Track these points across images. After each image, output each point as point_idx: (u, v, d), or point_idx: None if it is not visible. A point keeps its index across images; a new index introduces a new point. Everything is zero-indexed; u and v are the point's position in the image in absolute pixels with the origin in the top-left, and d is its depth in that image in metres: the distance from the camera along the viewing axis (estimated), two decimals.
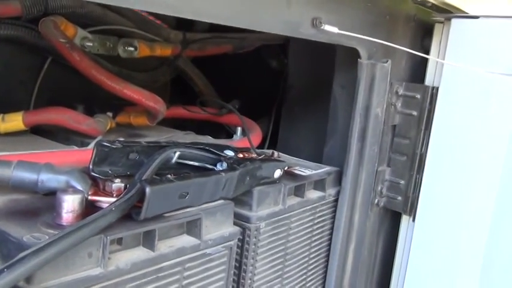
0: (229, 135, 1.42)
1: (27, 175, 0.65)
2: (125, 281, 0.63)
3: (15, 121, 1.01)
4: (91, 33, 1.29)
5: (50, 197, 0.67)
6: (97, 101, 1.25)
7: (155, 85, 1.49)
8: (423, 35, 1.22)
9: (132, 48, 1.38)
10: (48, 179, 0.65)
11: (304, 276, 1.05)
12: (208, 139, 1.26)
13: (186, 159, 0.80)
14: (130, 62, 1.42)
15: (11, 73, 1.22)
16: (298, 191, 1.00)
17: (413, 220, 1.19)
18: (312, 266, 1.06)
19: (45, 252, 0.53)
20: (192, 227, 0.72)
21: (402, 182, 1.21)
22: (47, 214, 0.64)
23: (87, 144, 1.07)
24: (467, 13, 1.14)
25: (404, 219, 1.25)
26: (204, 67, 1.66)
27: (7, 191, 0.70)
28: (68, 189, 0.63)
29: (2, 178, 0.66)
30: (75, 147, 1.01)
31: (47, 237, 0.57)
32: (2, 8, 1.09)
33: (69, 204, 0.61)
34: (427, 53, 1.22)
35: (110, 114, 1.24)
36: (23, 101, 1.26)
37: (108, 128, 1.17)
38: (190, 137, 1.28)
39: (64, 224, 0.61)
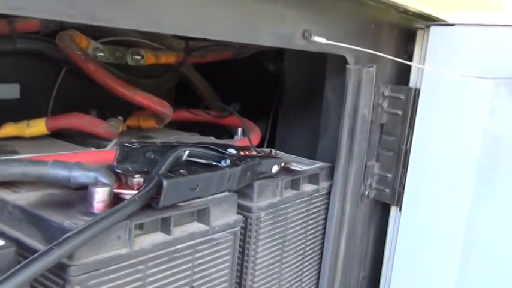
0: (231, 135, 1.52)
1: (61, 172, 0.77)
2: (147, 259, 0.74)
3: (39, 126, 1.12)
4: (102, 44, 1.40)
5: (80, 191, 0.79)
6: (108, 106, 1.36)
7: (160, 90, 1.60)
8: (407, 40, 1.33)
9: (139, 57, 1.49)
10: (79, 175, 0.77)
11: (301, 261, 1.16)
12: (212, 139, 1.37)
13: (194, 157, 0.91)
14: (138, 69, 1.52)
15: (30, 83, 1.33)
16: (294, 184, 1.11)
17: (400, 210, 1.31)
18: (308, 252, 1.17)
19: (83, 234, 0.64)
20: (202, 215, 0.84)
21: (390, 175, 1.32)
22: (79, 205, 0.75)
23: (103, 146, 1.18)
24: (445, 21, 1.25)
25: (393, 210, 1.36)
26: (205, 72, 1.77)
27: (42, 187, 0.81)
28: (97, 183, 0.75)
29: (39, 175, 0.77)
30: (93, 149, 1.12)
31: (83, 223, 0.68)
32: (23, 24, 1.20)
33: (100, 196, 0.72)
34: (411, 56, 1.33)
35: (120, 118, 1.35)
36: (41, 108, 1.37)
37: (120, 131, 1.29)
38: (195, 138, 1.38)
39: (95, 212, 0.72)
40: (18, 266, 0.58)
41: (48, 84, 1.38)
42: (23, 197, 0.77)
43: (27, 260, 0.59)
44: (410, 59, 1.32)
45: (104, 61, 1.41)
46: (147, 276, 0.75)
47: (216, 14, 0.78)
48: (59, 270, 0.65)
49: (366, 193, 1.32)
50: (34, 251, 0.65)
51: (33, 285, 0.66)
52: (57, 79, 1.38)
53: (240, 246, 0.95)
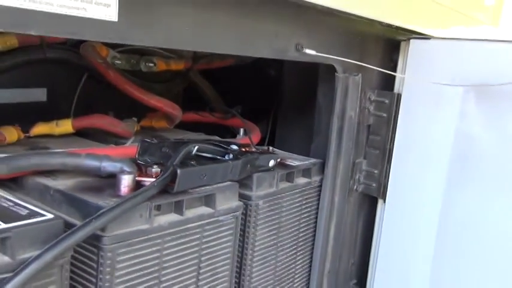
0: (233, 135, 1.68)
1: (93, 163, 0.92)
2: (164, 235, 0.90)
3: (66, 126, 1.28)
4: (119, 52, 1.57)
5: (108, 179, 0.95)
6: (123, 108, 1.52)
7: (171, 94, 1.76)
8: (392, 50, 1.48)
9: (151, 64, 1.65)
10: (108, 165, 0.92)
11: (295, 245, 1.31)
12: (216, 139, 1.52)
13: (202, 152, 1.07)
14: (150, 75, 1.69)
15: (56, 87, 1.49)
16: (289, 177, 1.26)
17: (385, 202, 1.46)
18: (301, 237, 1.33)
19: (114, 211, 0.80)
20: (209, 200, 0.99)
21: (376, 171, 1.48)
22: (108, 189, 0.91)
23: (121, 143, 1.33)
24: (424, 34, 1.41)
25: (379, 202, 1.51)
26: (211, 77, 1.93)
27: (76, 175, 0.98)
28: (123, 171, 0.91)
29: (76, 165, 0.93)
30: (113, 145, 1.28)
31: (113, 202, 0.83)
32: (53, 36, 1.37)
33: (126, 181, 0.88)
34: (396, 64, 1.49)
35: (135, 119, 1.51)
36: (64, 109, 1.53)
37: (134, 130, 1.45)
38: (201, 137, 1.54)
39: (122, 195, 0.88)
40: (66, 233, 0.73)
41: (71, 89, 1.54)
42: (62, 183, 0.93)
43: (73, 229, 0.74)
44: (396, 67, 1.48)
45: (121, 68, 1.58)
46: (164, 249, 0.90)
47: (220, 32, 0.94)
48: (94, 240, 0.81)
49: (355, 187, 1.48)
50: (73, 226, 0.81)
51: (74, 252, 0.82)
52: (79, 84, 1.55)
53: (240, 230, 1.11)
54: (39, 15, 0.64)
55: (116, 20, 0.72)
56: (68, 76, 1.52)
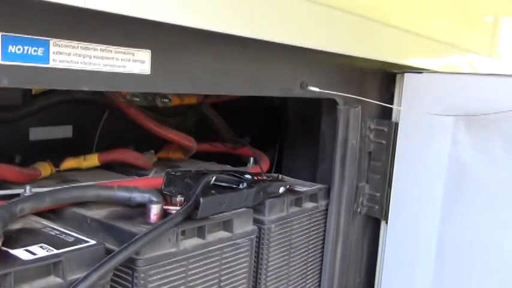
0: (243, 163, 1.79)
1: (124, 194, 1.04)
2: (189, 257, 1.01)
3: (93, 160, 1.40)
4: None
5: (137, 208, 1.07)
6: (140, 141, 1.64)
7: (184, 126, 1.88)
8: (389, 82, 1.61)
9: (167, 100, 1.77)
10: (138, 196, 1.04)
11: (305, 264, 1.42)
12: (228, 167, 1.64)
13: (219, 182, 1.19)
14: (166, 110, 1.81)
15: (81, 124, 1.63)
16: (298, 202, 1.38)
17: (387, 223, 1.57)
18: (311, 257, 1.43)
19: (147, 236, 0.91)
20: (227, 225, 1.11)
21: (378, 194, 1.59)
22: (138, 218, 1.03)
23: (142, 175, 1.45)
24: (417, 68, 1.54)
25: (382, 224, 1.62)
26: (220, 109, 2.05)
27: (108, 206, 1.09)
28: (152, 201, 1.02)
29: (109, 197, 1.05)
30: (136, 177, 1.40)
31: (145, 229, 0.95)
32: None
33: (155, 210, 1.00)
34: (393, 95, 1.62)
35: (152, 151, 1.63)
36: (87, 144, 1.66)
37: (153, 162, 1.57)
38: (214, 166, 1.66)
39: (152, 222, 1.00)
40: (108, 257, 0.85)
41: (93, 125, 1.67)
42: (97, 213, 1.05)
43: (113, 253, 0.86)
44: (393, 97, 1.61)
45: (138, 104, 1.70)
46: (189, 269, 1.01)
47: (234, 76, 1.07)
48: (130, 262, 0.92)
49: (359, 210, 1.59)
50: (110, 251, 0.92)
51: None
52: (100, 120, 1.68)
53: (255, 251, 1.22)
54: (89, 74, 0.77)
55: (149, 73, 0.85)
56: (91, 113, 1.65)
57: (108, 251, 0.89)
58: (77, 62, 0.75)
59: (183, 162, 1.66)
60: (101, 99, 1.54)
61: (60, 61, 0.73)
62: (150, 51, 0.85)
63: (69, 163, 1.38)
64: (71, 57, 0.74)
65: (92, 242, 0.88)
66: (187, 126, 1.94)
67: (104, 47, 0.78)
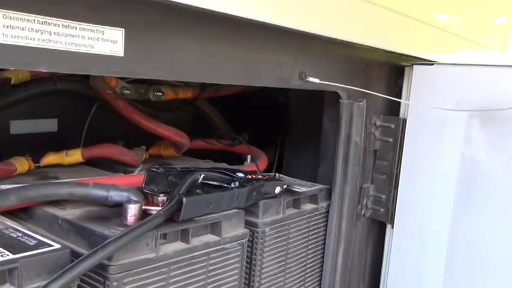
0: (241, 162, 1.69)
1: (100, 192, 0.94)
2: (170, 263, 0.90)
3: (76, 155, 1.30)
4: (127, 83, 1.60)
5: (115, 208, 0.96)
6: (132, 137, 1.54)
7: (179, 122, 1.78)
8: (397, 75, 1.50)
9: (160, 93, 1.67)
10: (115, 195, 0.94)
11: (303, 272, 1.31)
12: (224, 165, 1.54)
13: (208, 180, 1.09)
14: (159, 104, 1.71)
15: (66, 118, 1.53)
16: (296, 204, 1.27)
17: (393, 227, 1.46)
18: (309, 264, 1.32)
19: (121, 240, 0.81)
20: (215, 228, 1.00)
21: (383, 196, 1.48)
22: (115, 218, 0.92)
23: (129, 172, 1.35)
24: (427, 60, 1.42)
25: (388, 228, 1.51)
26: (219, 104, 1.95)
27: (83, 205, 0.99)
28: (130, 201, 0.92)
29: (83, 195, 0.95)
30: (122, 174, 1.30)
31: (119, 232, 0.85)
32: None
33: (132, 211, 0.90)
34: (401, 90, 1.50)
35: (143, 147, 1.53)
36: (74, 139, 1.56)
37: (143, 158, 1.47)
38: (209, 164, 1.56)
39: (129, 224, 0.89)
40: (72, 263, 0.74)
41: (81, 119, 1.57)
42: (69, 213, 0.95)
43: (79, 259, 0.75)
44: (401, 92, 1.50)
45: (130, 98, 1.61)
46: (170, 277, 0.91)
47: (225, 63, 0.97)
48: (101, 269, 0.82)
49: (362, 212, 1.48)
50: (80, 255, 0.82)
51: (80, 281, 0.82)
52: (89, 114, 1.58)
53: (247, 257, 1.11)
54: (48, 53, 0.66)
55: (122, 55, 0.75)
56: (78, 106, 1.55)
57: (78, 256, 0.79)
58: (33, 39, 0.65)
59: (175, 160, 1.56)
60: (86, 90, 1.44)
61: (12, 36, 0.63)
62: (123, 29, 0.75)
63: (49, 159, 1.28)
64: (25, 32, 0.64)
65: (56, 246, 0.78)
66: (183, 122, 1.85)
67: (66, 22, 0.68)
